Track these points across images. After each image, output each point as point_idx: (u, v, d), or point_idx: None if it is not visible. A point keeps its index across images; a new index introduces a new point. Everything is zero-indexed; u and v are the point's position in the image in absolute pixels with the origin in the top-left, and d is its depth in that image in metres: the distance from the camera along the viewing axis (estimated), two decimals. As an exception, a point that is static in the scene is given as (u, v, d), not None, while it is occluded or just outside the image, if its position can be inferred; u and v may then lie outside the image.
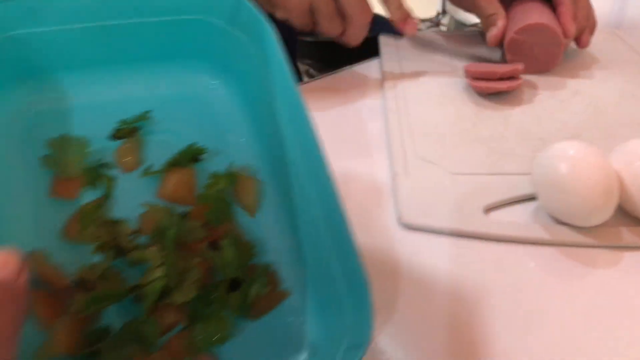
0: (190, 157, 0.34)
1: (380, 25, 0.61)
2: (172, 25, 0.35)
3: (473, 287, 0.37)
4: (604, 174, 0.38)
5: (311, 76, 0.92)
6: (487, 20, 0.61)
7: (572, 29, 0.59)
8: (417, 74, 0.62)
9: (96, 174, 0.33)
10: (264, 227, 0.33)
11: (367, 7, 0.57)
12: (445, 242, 0.40)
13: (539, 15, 0.58)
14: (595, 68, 0.63)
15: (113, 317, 0.29)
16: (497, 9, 0.61)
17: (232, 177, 0.34)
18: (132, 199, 0.32)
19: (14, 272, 0.22)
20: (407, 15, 0.60)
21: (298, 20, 0.57)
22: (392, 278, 0.37)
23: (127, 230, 0.31)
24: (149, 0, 0.34)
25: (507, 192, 0.43)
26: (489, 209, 0.42)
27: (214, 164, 0.35)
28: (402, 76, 0.61)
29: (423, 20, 1.87)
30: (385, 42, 0.70)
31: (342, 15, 0.56)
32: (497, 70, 0.57)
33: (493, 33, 0.61)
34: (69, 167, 0.32)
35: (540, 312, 0.35)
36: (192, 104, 0.37)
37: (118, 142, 0.35)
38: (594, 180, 0.38)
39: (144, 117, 0.35)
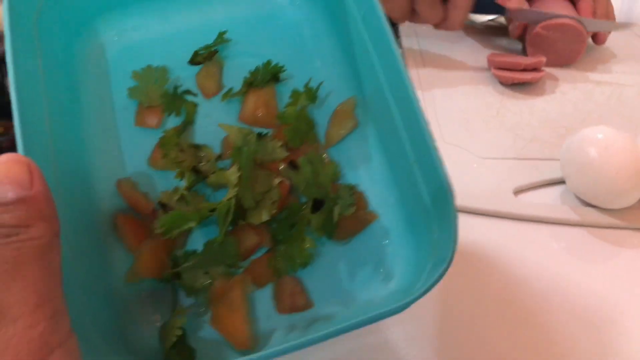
0: (270, 76, 0.33)
1: (481, 4, 0.59)
2: None
3: (504, 265, 0.38)
4: (633, 157, 0.40)
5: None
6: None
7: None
8: (439, 63, 0.63)
9: (177, 100, 0.33)
10: (350, 152, 0.32)
11: None
12: (477, 221, 0.41)
13: (561, 10, 0.60)
14: (613, 62, 0.64)
15: (199, 244, 0.29)
16: (522, 2, 0.62)
17: (313, 94, 0.33)
18: (214, 124, 0.32)
19: (26, 181, 0.20)
20: None
21: (399, 9, 0.56)
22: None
23: (210, 155, 0.31)
24: None
25: (535, 176, 0.45)
26: (518, 192, 0.44)
27: (296, 82, 0.34)
28: (424, 65, 0.63)
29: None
30: (405, 32, 0.71)
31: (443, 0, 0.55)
32: (521, 62, 0.58)
33: (517, 26, 0.63)
34: (151, 96, 0.32)
35: (566, 289, 0.36)
36: (271, 24, 0.35)
37: (197, 68, 0.34)
38: (623, 163, 0.39)
39: (221, 39, 0.34)
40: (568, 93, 0.57)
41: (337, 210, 0.30)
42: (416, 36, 0.70)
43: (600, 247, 0.40)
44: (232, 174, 0.28)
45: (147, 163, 0.31)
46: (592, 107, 0.55)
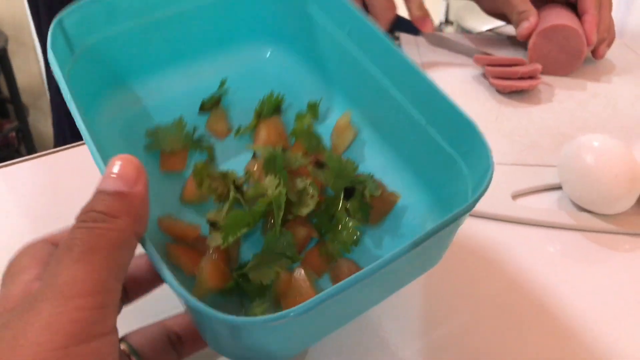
0: (274, 106, 0.37)
1: (400, 23, 0.64)
2: (223, 7, 0.38)
3: (502, 265, 0.39)
4: (628, 164, 0.41)
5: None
6: (520, 16, 0.64)
7: (594, 37, 0.62)
8: (439, 72, 0.64)
9: (196, 144, 0.36)
10: (356, 153, 0.36)
11: (392, 4, 0.60)
12: (476, 224, 0.42)
13: (567, 20, 0.61)
14: (609, 74, 0.66)
15: (249, 257, 0.31)
16: (530, 7, 0.64)
17: (315, 111, 0.38)
18: (233, 159, 0.35)
19: (132, 179, 0.22)
20: (426, 15, 0.63)
21: None
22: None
23: (239, 179, 0.33)
24: None
25: (532, 181, 0.46)
26: (516, 196, 0.45)
27: (295, 111, 0.38)
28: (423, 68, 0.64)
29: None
30: (406, 40, 0.73)
31: (367, 11, 0.59)
32: (518, 70, 0.59)
33: (525, 26, 0.64)
34: (172, 144, 0.35)
35: (561, 292, 0.37)
36: (259, 74, 0.39)
37: (207, 115, 0.38)
38: (618, 170, 0.40)
39: (222, 86, 0.38)
40: (564, 101, 0.59)
41: (367, 193, 0.33)
42: (417, 46, 0.72)
43: (594, 251, 0.41)
44: (270, 181, 0.31)
45: (179, 202, 0.34)
46: (587, 115, 0.56)
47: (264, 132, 0.36)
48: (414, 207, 0.34)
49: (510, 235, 0.42)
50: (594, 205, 0.42)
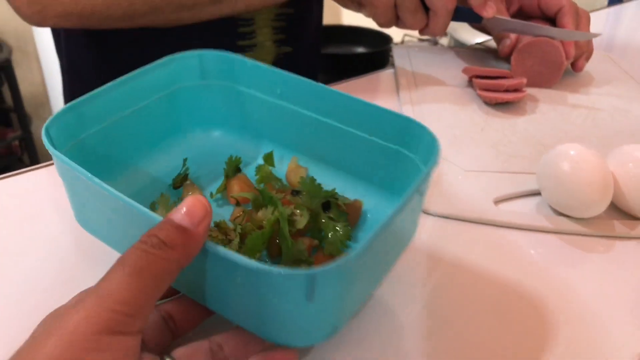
0: (235, 166, 0.44)
1: (461, 13, 0.63)
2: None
3: (484, 266, 0.42)
4: (601, 172, 0.44)
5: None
6: (501, 34, 0.68)
7: (572, 51, 0.65)
8: (430, 83, 0.68)
9: None
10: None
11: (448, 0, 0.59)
12: (461, 227, 0.45)
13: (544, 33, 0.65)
14: (591, 86, 0.69)
15: None
16: (500, 11, 0.67)
17: (271, 160, 0.44)
18: (215, 217, 0.40)
19: (198, 218, 0.26)
20: (485, 1, 0.62)
21: (383, 15, 0.60)
22: (415, 255, 0.43)
23: (229, 226, 0.38)
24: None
25: (514, 187, 0.49)
26: (498, 201, 0.48)
27: (252, 167, 0.46)
28: (415, 84, 0.67)
29: (421, 40, 1.95)
30: (398, 54, 0.76)
31: (425, 7, 0.59)
32: (504, 83, 0.63)
33: (506, 44, 0.68)
34: (161, 212, 0.39)
35: (539, 290, 0.40)
36: (216, 148, 0.47)
37: (179, 191, 0.44)
38: (592, 177, 0.44)
39: (185, 164, 0.44)
40: (547, 113, 0.62)
41: (341, 202, 0.38)
42: (409, 57, 0.75)
43: (570, 252, 0.44)
44: (264, 211, 0.37)
45: None
46: (568, 127, 0.59)
47: (236, 186, 0.42)
48: (377, 208, 0.41)
49: (492, 239, 0.45)
50: (569, 209, 0.45)
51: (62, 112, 0.37)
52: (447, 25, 0.61)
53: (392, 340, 0.36)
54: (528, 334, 0.37)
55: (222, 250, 0.26)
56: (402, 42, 1.92)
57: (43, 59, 2.12)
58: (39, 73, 2.21)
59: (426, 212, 0.47)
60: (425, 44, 1.78)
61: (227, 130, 0.48)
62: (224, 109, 0.47)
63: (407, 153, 0.38)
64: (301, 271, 0.25)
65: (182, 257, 0.26)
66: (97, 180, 0.30)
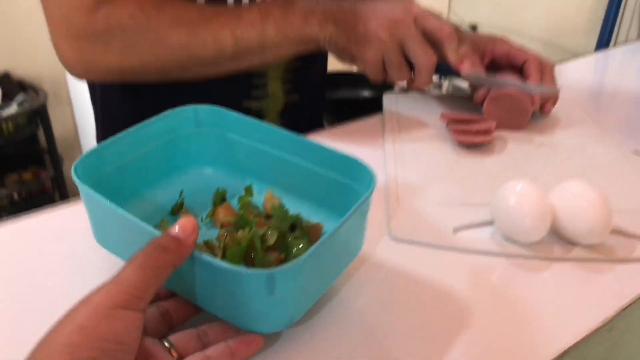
0: (222, 197, 0.54)
1: (442, 69, 0.72)
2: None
3: (443, 287, 0.50)
4: (540, 204, 0.52)
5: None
6: (476, 84, 0.77)
7: (537, 99, 0.74)
8: (411, 124, 0.77)
9: None
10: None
11: (430, 52, 0.66)
12: (424, 252, 0.54)
13: (513, 86, 0.74)
14: (557, 128, 0.77)
15: None
16: (475, 67, 0.76)
17: (251, 192, 0.54)
18: (204, 237, 0.49)
19: (188, 233, 0.37)
20: (461, 58, 0.71)
21: (372, 70, 0.68)
22: (380, 271, 0.51)
23: (215, 244, 0.47)
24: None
25: (472, 218, 0.57)
26: (458, 230, 0.56)
27: (235, 198, 0.55)
28: (399, 124, 0.76)
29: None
30: (387, 99, 0.86)
31: (410, 64, 0.68)
32: (473, 127, 0.72)
33: (479, 93, 0.77)
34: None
35: (490, 305, 0.48)
36: (207, 182, 0.57)
37: (177, 216, 0.53)
38: (531, 209, 0.52)
39: (181, 195, 0.54)
40: (513, 153, 0.71)
41: (304, 225, 0.48)
42: (397, 103, 0.85)
43: (518, 273, 0.51)
44: (242, 232, 0.46)
45: None
46: (529, 165, 0.68)
47: (221, 213, 0.52)
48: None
49: (450, 260, 0.53)
50: (515, 236, 0.53)
51: (88, 155, 0.47)
52: (430, 79, 0.69)
53: (351, 334, 0.44)
54: (472, 336, 0.45)
55: (205, 257, 0.36)
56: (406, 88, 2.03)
57: (75, 102, 2.27)
58: (71, 116, 2.35)
59: (395, 239, 0.55)
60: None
61: (217, 168, 0.58)
62: (214, 150, 0.58)
63: (354, 186, 0.48)
64: (263, 271, 0.34)
65: (176, 259, 0.36)
66: (115, 206, 0.40)
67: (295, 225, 0.47)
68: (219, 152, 0.58)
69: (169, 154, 0.56)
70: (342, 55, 0.69)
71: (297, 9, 0.66)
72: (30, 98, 2.05)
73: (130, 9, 0.64)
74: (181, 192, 0.55)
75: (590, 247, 0.53)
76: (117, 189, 0.49)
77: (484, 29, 1.81)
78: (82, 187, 0.43)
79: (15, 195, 2.15)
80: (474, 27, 1.87)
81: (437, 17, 0.68)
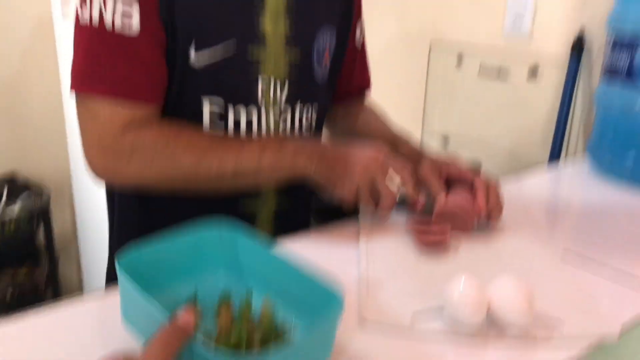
0: (224, 302, 0.62)
1: (400, 205, 0.92)
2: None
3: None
4: (477, 297, 0.66)
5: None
6: (433, 195, 0.93)
7: (483, 209, 0.89)
8: (383, 228, 0.91)
9: None
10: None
11: (392, 195, 0.84)
12: (385, 339, 0.66)
13: (461, 201, 0.90)
14: (503, 230, 0.93)
15: None
16: (439, 190, 0.92)
17: (249, 302, 0.63)
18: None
19: (189, 323, 0.48)
20: (417, 197, 0.89)
21: (346, 200, 0.85)
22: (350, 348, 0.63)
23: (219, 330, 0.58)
24: None
25: (430, 304, 0.70)
26: (417, 313, 0.69)
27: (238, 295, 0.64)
28: (372, 231, 0.91)
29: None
30: (364, 209, 1.01)
31: (376, 199, 0.85)
32: (433, 228, 0.86)
33: (438, 204, 0.92)
34: None
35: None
36: (216, 283, 0.69)
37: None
38: (469, 300, 0.65)
39: (195, 293, 0.63)
40: (466, 252, 0.85)
41: (279, 328, 0.60)
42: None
43: (463, 349, 0.64)
44: (235, 333, 0.57)
45: None
46: (475, 263, 0.82)
47: (223, 319, 0.59)
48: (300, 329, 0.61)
49: (406, 343, 0.65)
50: (461, 319, 0.66)
51: (127, 257, 0.60)
52: (390, 210, 0.86)
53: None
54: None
55: (198, 346, 0.48)
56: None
57: (77, 203, 2.38)
58: (71, 215, 2.45)
59: (364, 320, 0.67)
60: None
61: (227, 271, 0.70)
62: (228, 259, 0.70)
63: (329, 304, 0.57)
64: (235, 356, 0.47)
65: (184, 337, 0.47)
66: (150, 298, 0.53)
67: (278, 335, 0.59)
68: (231, 258, 0.70)
69: (188, 265, 0.68)
70: (323, 186, 0.86)
71: (290, 145, 0.85)
72: (34, 198, 2.14)
73: (154, 134, 0.81)
74: (195, 293, 0.64)
75: (519, 328, 0.66)
76: (145, 286, 0.60)
77: (455, 138, 2.00)
78: (123, 281, 0.56)
79: (8, 296, 2.16)
80: (445, 138, 2.09)
81: (398, 161, 0.87)
